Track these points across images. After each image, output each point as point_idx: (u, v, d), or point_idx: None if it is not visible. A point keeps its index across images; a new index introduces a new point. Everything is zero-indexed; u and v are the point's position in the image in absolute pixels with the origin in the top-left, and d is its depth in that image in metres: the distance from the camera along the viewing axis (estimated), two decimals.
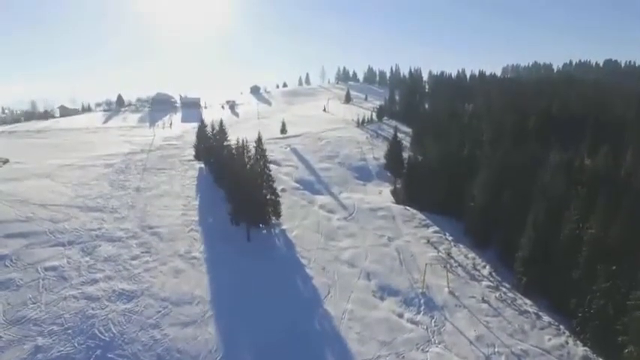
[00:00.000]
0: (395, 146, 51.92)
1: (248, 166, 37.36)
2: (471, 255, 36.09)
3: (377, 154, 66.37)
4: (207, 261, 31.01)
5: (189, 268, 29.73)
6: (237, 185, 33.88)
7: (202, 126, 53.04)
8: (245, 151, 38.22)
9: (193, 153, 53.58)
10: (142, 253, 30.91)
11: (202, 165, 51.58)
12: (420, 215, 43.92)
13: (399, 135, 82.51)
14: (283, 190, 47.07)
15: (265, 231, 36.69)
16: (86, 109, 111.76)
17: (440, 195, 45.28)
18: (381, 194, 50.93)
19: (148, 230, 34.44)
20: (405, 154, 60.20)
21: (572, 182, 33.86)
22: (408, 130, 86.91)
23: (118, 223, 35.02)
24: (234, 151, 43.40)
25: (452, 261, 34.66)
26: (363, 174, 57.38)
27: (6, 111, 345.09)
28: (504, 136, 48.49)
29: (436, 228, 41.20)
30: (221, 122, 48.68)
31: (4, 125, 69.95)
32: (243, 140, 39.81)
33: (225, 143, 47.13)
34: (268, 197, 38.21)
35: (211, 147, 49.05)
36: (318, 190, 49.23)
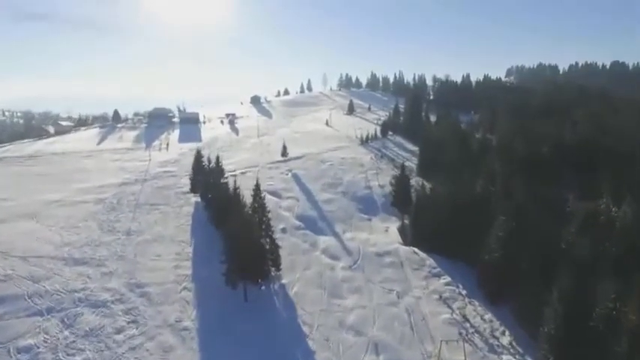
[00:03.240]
0: (401, 181, 48.90)
1: (246, 213, 34.69)
2: (488, 316, 33.17)
3: (382, 180, 63.45)
4: (200, 332, 28.20)
5: (179, 344, 26.92)
6: (233, 244, 30.99)
7: (199, 156, 50.31)
8: (241, 202, 35.42)
9: (189, 184, 50.88)
10: (128, 323, 28.11)
11: (198, 199, 48.85)
12: (429, 261, 41.03)
13: (404, 154, 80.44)
14: (284, 230, 44.41)
15: (264, 287, 33.87)
16: (83, 121, 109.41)
17: (450, 236, 42.33)
18: (387, 232, 48.06)
19: (136, 290, 31.67)
20: (412, 180, 57.44)
21: (600, 240, 30.93)
22: (414, 148, 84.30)
23: (105, 281, 32.27)
24: (230, 191, 40.77)
25: (467, 325, 31.78)
26: (368, 206, 54.47)
27: (6, 113, 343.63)
28: (517, 174, 45.38)
29: (448, 278, 38.31)
30: (217, 158, 45.75)
31: None
32: (237, 190, 36.93)
33: (222, 180, 44.37)
34: (268, 247, 35.50)
35: (207, 182, 46.31)
36: (320, 229, 46.37)
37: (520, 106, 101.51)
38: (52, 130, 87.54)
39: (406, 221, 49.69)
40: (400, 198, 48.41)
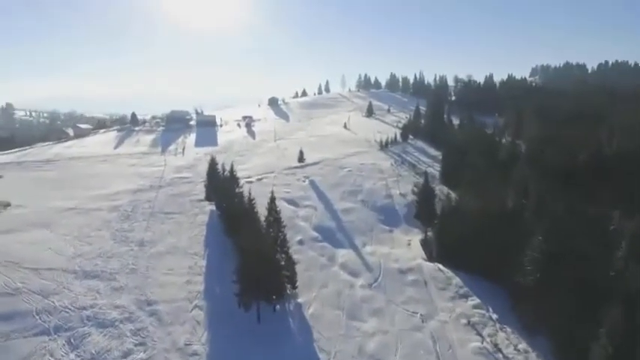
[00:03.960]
0: (425, 191, 46.18)
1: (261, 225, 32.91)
2: (522, 346, 30.32)
3: (403, 187, 60.81)
4: (210, 358, 26.52)
5: None
6: (246, 263, 29.20)
7: (213, 163, 48.86)
8: (256, 215, 33.67)
9: (204, 191, 49.59)
10: (136, 346, 26.66)
11: (213, 207, 47.43)
12: (456, 280, 38.32)
13: (425, 160, 77.36)
14: (301, 242, 42.51)
15: (278, 306, 31.98)
16: (102, 123, 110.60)
17: (478, 252, 39.49)
18: (410, 246, 45.50)
19: (146, 308, 30.27)
20: (435, 187, 54.56)
21: None
22: (436, 153, 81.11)
23: (115, 297, 31.03)
24: (245, 201, 39.15)
25: (500, 356, 29.07)
26: (389, 216, 51.95)
27: (33, 114, 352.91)
28: (551, 186, 42.10)
29: (477, 300, 35.55)
30: (232, 166, 44.14)
31: (13, 153, 67.70)
32: (252, 200, 35.26)
33: (237, 190, 42.75)
34: (283, 263, 33.61)
35: (222, 190, 44.79)
36: (339, 242, 44.21)
37: (549, 108, 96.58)
38: (71, 132, 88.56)
39: (429, 234, 47.01)
40: (424, 210, 45.70)
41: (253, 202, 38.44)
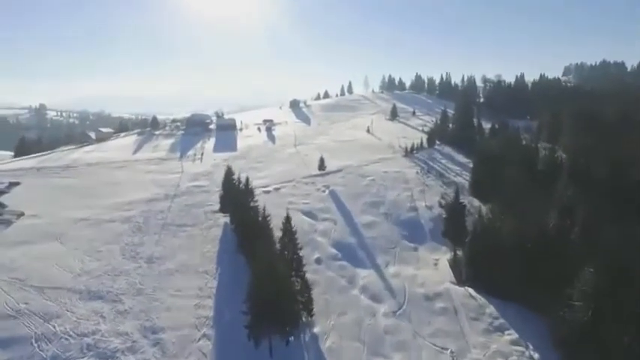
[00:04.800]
0: (454, 208, 42.26)
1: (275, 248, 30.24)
2: None
3: (430, 199, 56.90)
4: None
5: None
6: (258, 291, 26.49)
7: (229, 172, 46.60)
8: (270, 233, 31.01)
9: (219, 201, 47.47)
10: None
11: (228, 219, 45.18)
12: (489, 308, 34.45)
13: (453, 168, 72.87)
14: (318, 260, 39.62)
15: (292, 337, 29.12)
16: (124, 126, 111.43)
17: (515, 277, 35.46)
18: (437, 267, 41.77)
19: (150, 336, 28.08)
20: (464, 199, 50.40)
21: None
22: (465, 160, 76.54)
23: (118, 322, 29.02)
24: (260, 216, 36.66)
25: None
26: (414, 232, 48.29)
27: (63, 114, 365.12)
28: (601, 206, 37.41)
29: (514, 334, 31.61)
30: (247, 180, 41.65)
31: (35, 158, 68.02)
32: (266, 217, 32.66)
33: (252, 203, 40.26)
34: (299, 287, 30.82)
35: (237, 202, 42.43)
36: (360, 261, 41.04)
37: (588, 111, 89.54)
38: (93, 136, 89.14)
39: (459, 252, 43.11)
40: (453, 227, 41.83)
41: (268, 218, 36.06)
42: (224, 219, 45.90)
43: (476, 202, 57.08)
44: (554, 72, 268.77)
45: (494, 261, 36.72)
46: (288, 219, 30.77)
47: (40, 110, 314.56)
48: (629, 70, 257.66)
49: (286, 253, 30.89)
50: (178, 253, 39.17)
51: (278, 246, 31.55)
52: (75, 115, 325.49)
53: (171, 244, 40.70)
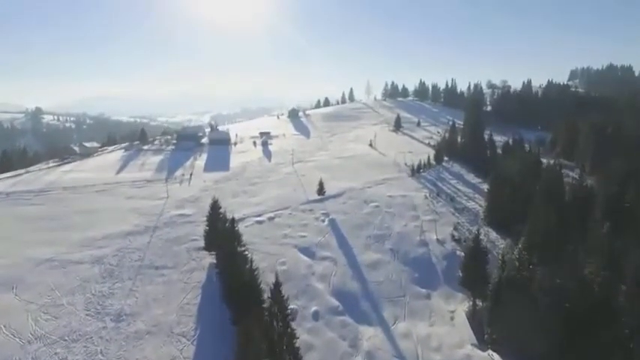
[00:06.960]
0: (475, 254, 36.47)
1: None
2: None
3: (441, 230, 51.13)
4: None
5: None
6: None
7: (215, 207, 41.02)
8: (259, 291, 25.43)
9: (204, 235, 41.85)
10: None
11: (213, 259, 39.53)
12: None
13: (464, 190, 67.13)
14: (315, 315, 34.03)
15: None
16: (112, 140, 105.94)
17: (553, 343, 29.82)
18: (453, 321, 36.03)
19: None
20: (480, 229, 44.63)
21: None
22: (476, 180, 70.97)
23: None
24: (247, 271, 31.09)
25: None
26: (425, 273, 42.64)
27: (60, 118, 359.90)
28: None
29: None
30: (233, 220, 36.05)
31: (6, 180, 62.44)
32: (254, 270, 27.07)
33: (239, 249, 34.59)
34: None
35: (223, 244, 36.80)
36: (364, 314, 35.38)
37: (605, 123, 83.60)
38: (78, 150, 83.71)
39: (478, 302, 37.37)
40: (472, 278, 36.03)
41: (256, 272, 30.57)
42: (209, 258, 40.28)
43: (492, 234, 51.45)
44: (560, 76, 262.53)
45: (524, 320, 31.05)
46: (277, 284, 24.92)
47: (36, 114, 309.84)
48: (637, 74, 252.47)
49: (275, 325, 25.16)
50: (153, 306, 33.51)
51: (267, 303, 26.13)
52: (72, 119, 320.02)
53: (145, 293, 35.02)
